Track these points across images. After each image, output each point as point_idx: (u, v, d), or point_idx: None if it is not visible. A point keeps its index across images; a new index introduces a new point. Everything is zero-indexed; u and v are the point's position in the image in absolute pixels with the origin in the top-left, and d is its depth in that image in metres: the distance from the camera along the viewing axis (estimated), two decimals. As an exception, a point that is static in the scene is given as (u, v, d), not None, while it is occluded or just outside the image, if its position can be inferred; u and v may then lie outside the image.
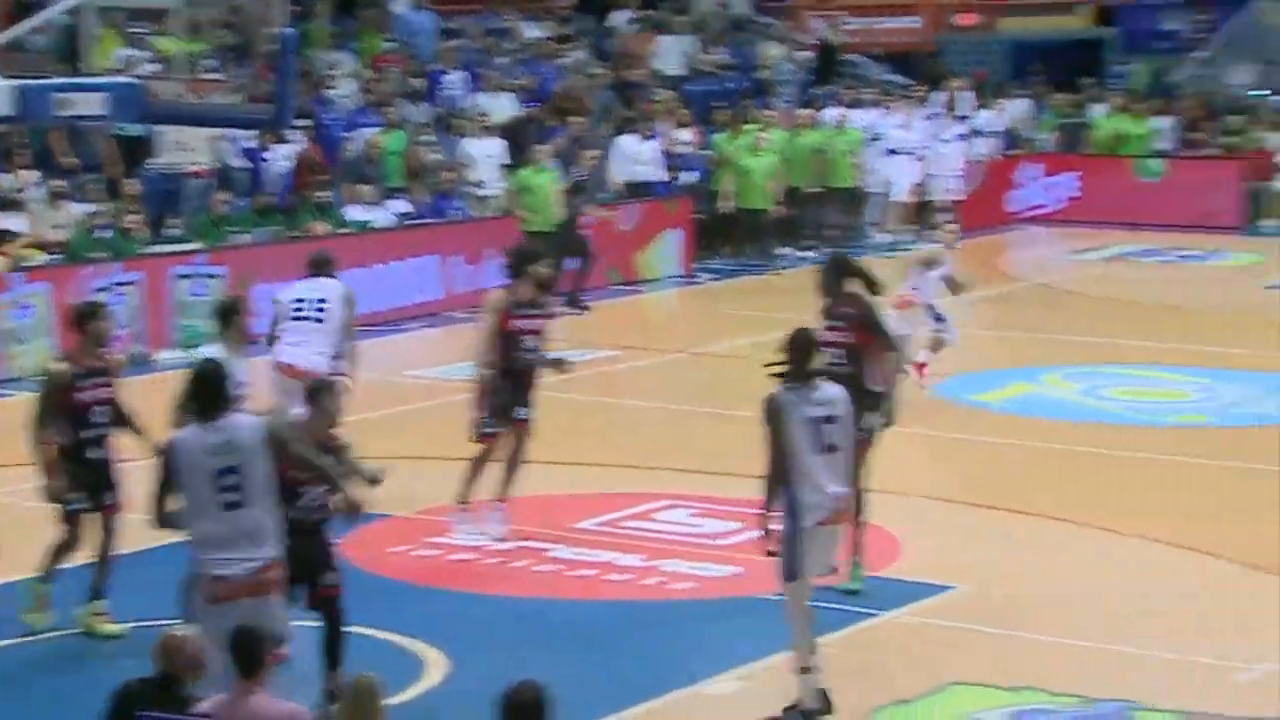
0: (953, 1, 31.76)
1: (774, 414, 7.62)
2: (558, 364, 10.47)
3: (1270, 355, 15.68)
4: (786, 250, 21.96)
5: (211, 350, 8.75)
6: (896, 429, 9.63)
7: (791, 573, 7.57)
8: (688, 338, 16.98)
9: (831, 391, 7.67)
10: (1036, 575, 9.78)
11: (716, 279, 20.67)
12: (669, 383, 15.08)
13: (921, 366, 13.69)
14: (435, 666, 8.41)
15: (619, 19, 25.44)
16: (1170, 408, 13.84)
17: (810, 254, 22.11)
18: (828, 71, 26.35)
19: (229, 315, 9.19)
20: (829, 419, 7.59)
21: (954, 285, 13.96)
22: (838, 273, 9.31)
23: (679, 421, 13.59)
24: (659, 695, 8.11)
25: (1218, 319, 18.12)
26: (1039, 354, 15.07)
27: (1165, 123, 25.91)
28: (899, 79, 26.62)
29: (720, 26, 26.52)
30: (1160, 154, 25.43)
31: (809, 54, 26.75)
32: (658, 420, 13.67)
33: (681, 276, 20.56)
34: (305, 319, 10.63)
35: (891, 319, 13.00)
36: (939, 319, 13.82)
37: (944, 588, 9.44)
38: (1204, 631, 8.95)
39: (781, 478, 7.60)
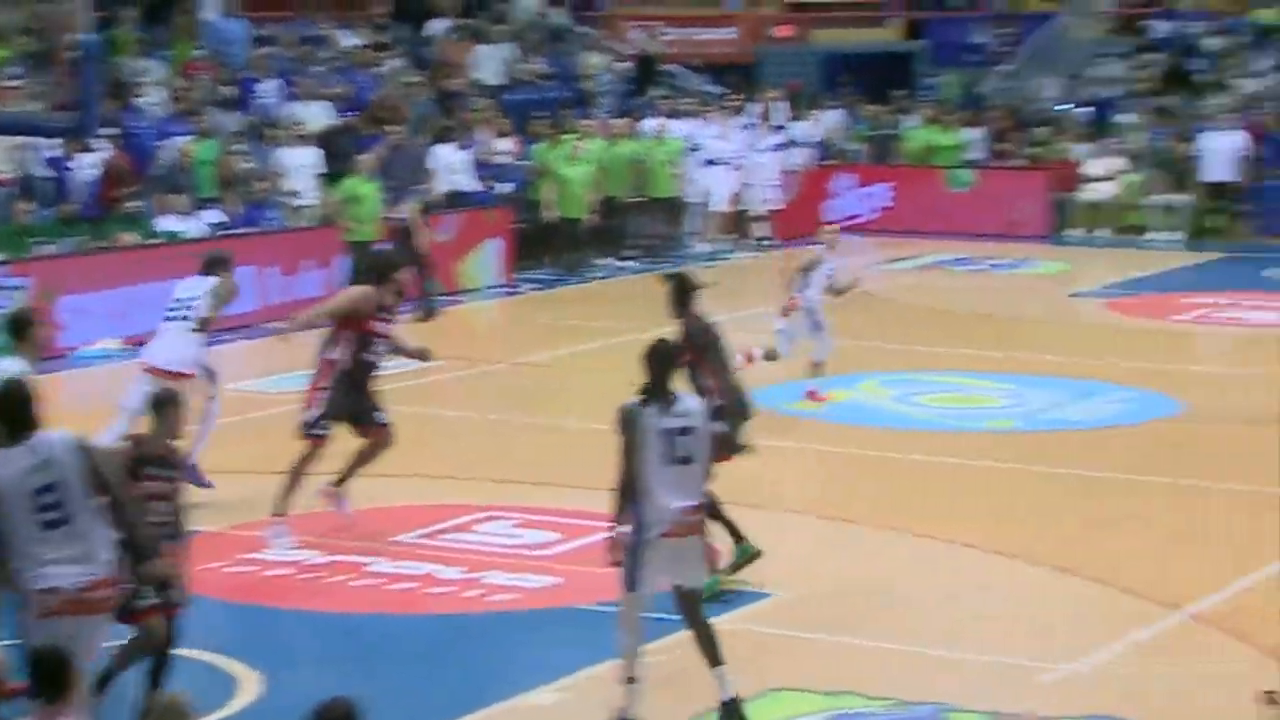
0: (769, 14, 32.17)
1: (627, 425, 7.62)
2: (422, 354, 10.71)
3: (1075, 361, 16.10)
4: (606, 260, 22.04)
5: (9, 365, 8.52)
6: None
7: (631, 583, 7.61)
8: (508, 348, 16.95)
9: (690, 404, 7.69)
10: (853, 580, 9.91)
11: (538, 289, 20.66)
12: (490, 393, 15.03)
13: (811, 392, 14.00)
14: (249, 685, 8.29)
15: (437, 27, 25.31)
16: (981, 414, 14.13)
17: (630, 264, 22.26)
18: (646, 82, 26.50)
19: (24, 327, 8.96)
20: (684, 431, 7.57)
21: (836, 288, 14.18)
22: (683, 291, 9.57)
23: (500, 432, 13.56)
24: (480, 708, 8.08)
25: (1025, 326, 18.55)
26: (855, 361, 15.28)
27: (975, 134, 26.47)
28: (717, 89, 26.86)
29: (539, 36, 26.52)
30: (970, 165, 25.97)
31: (628, 64, 26.87)
32: (478, 431, 13.62)
33: (502, 286, 20.53)
34: (173, 318, 10.91)
35: (780, 324, 14.01)
36: (817, 326, 14.05)
37: (762, 594, 9.52)
38: (1014, 633, 9.15)
39: (630, 488, 7.61)
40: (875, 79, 29.08)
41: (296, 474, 10.36)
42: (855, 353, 15.78)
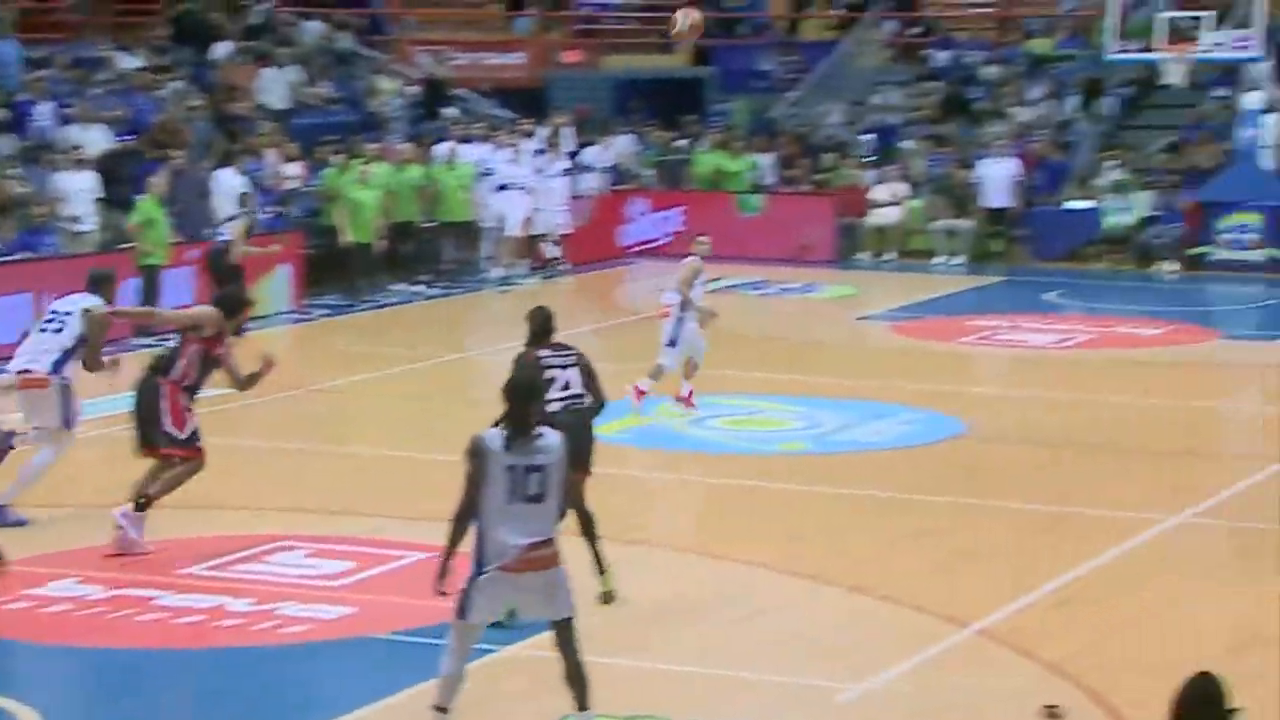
0: (557, 39, 32.24)
1: (473, 455, 7.44)
2: (249, 382, 10.96)
3: (863, 384, 16.38)
4: (400, 285, 21.87)
5: None
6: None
7: (461, 611, 7.50)
8: (300, 375, 16.70)
9: (548, 440, 7.45)
10: (652, 603, 9.93)
11: (329, 314, 20.41)
12: (282, 420, 14.81)
13: (641, 393, 14.45)
14: (29, 726, 8.02)
15: (220, 50, 24.88)
16: (774, 436, 14.29)
17: (424, 289, 22.11)
18: (436, 106, 26.37)
19: None
20: (536, 468, 7.38)
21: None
22: (545, 324, 9.97)
23: (292, 460, 13.34)
24: (274, 743, 7.91)
25: (816, 349, 18.84)
26: (651, 386, 15.37)
27: (764, 160, 26.83)
28: (507, 114, 26.83)
29: (325, 60, 26.23)
30: (760, 190, 26.32)
31: (416, 88, 26.71)
32: (270, 459, 13.39)
33: (292, 312, 20.24)
34: (44, 330, 11.30)
35: (665, 328, 14.61)
36: (671, 343, 14.49)
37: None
38: (811, 654, 9.24)
39: (466, 519, 7.46)
40: (665, 105, 29.33)
41: (174, 486, 10.66)
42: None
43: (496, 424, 7.50)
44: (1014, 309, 21.16)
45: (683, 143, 27.35)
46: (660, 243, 25.90)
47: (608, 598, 9.79)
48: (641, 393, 14.50)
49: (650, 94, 30.35)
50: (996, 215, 25.39)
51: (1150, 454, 13.75)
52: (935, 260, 25.49)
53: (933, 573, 10.56)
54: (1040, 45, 30.50)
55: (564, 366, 10.04)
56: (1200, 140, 25.98)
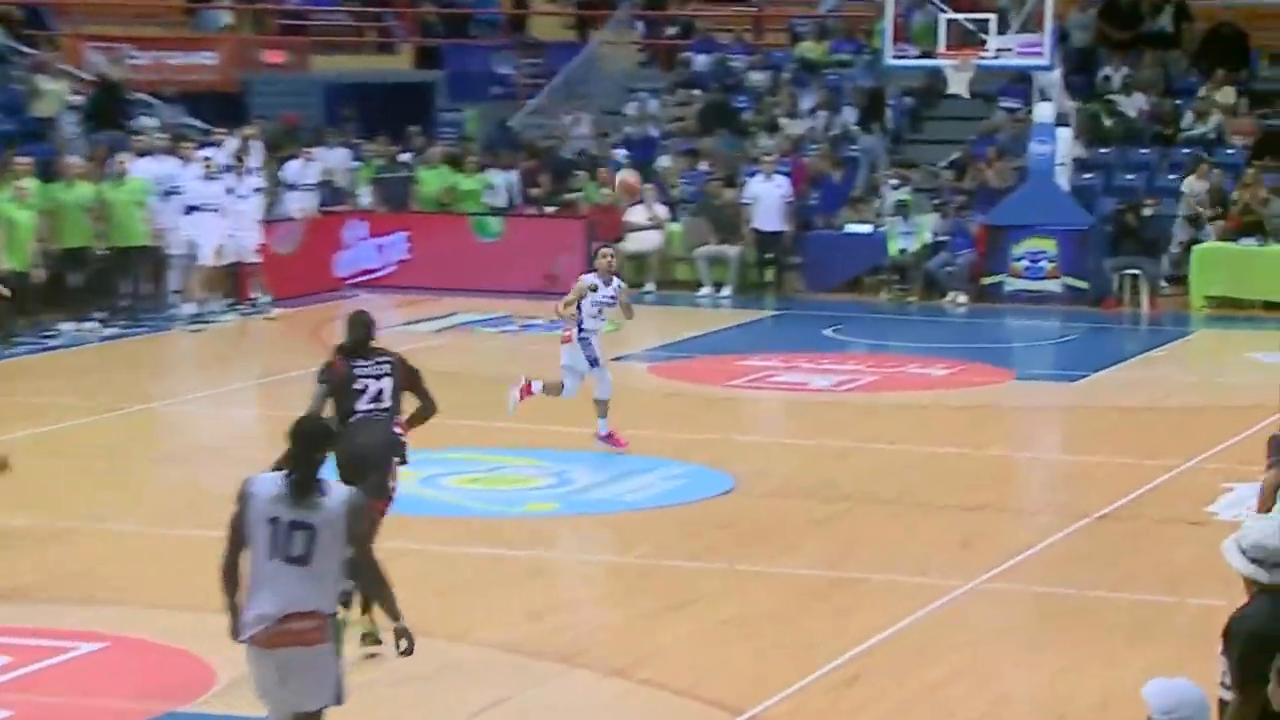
0: (257, 37, 31.82)
1: (240, 498, 7.35)
2: None
3: (642, 434, 16.44)
4: (67, 324, 21.25)
5: None
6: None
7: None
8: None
9: (330, 497, 7.35)
10: (373, 693, 9.75)
11: (-15, 359, 19.80)
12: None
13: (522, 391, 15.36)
14: None
15: None
16: (519, 495, 14.23)
17: (97, 327, 21.50)
18: (111, 114, 25.74)
19: None
20: (302, 525, 7.28)
21: (626, 309, 15.56)
22: (365, 331, 10.56)
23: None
24: None
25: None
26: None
27: (502, 177, 26.84)
28: (198, 124, 26.33)
29: (-26, 59, 25.53)
30: (498, 212, 26.30)
31: (87, 93, 26.05)
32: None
33: (-65, 356, 19.58)
34: None
35: (565, 358, 15.46)
36: (594, 362, 15.36)
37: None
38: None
39: (232, 571, 7.34)
40: (386, 113, 29.17)
41: None
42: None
43: (276, 467, 7.44)
44: (789, 347, 21.47)
45: (407, 157, 27.21)
46: (382, 273, 25.69)
47: (369, 639, 9.99)
48: (529, 391, 15.43)
49: (368, 100, 30.16)
50: (768, 240, 25.80)
51: (942, 509, 14.04)
52: (700, 292, 25.78)
53: (700, 650, 10.60)
54: (812, 49, 31.18)
55: (377, 376, 10.36)
56: (990, 157, 26.76)
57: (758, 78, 30.65)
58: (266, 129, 25.92)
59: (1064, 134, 25.59)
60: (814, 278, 26.01)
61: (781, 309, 24.81)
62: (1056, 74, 25.56)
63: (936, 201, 26.11)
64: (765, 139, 28.42)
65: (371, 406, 10.37)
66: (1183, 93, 28.92)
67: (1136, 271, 24.61)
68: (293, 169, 25.40)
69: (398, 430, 10.52)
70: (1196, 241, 24.90)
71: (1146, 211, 25.09)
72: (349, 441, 10.15)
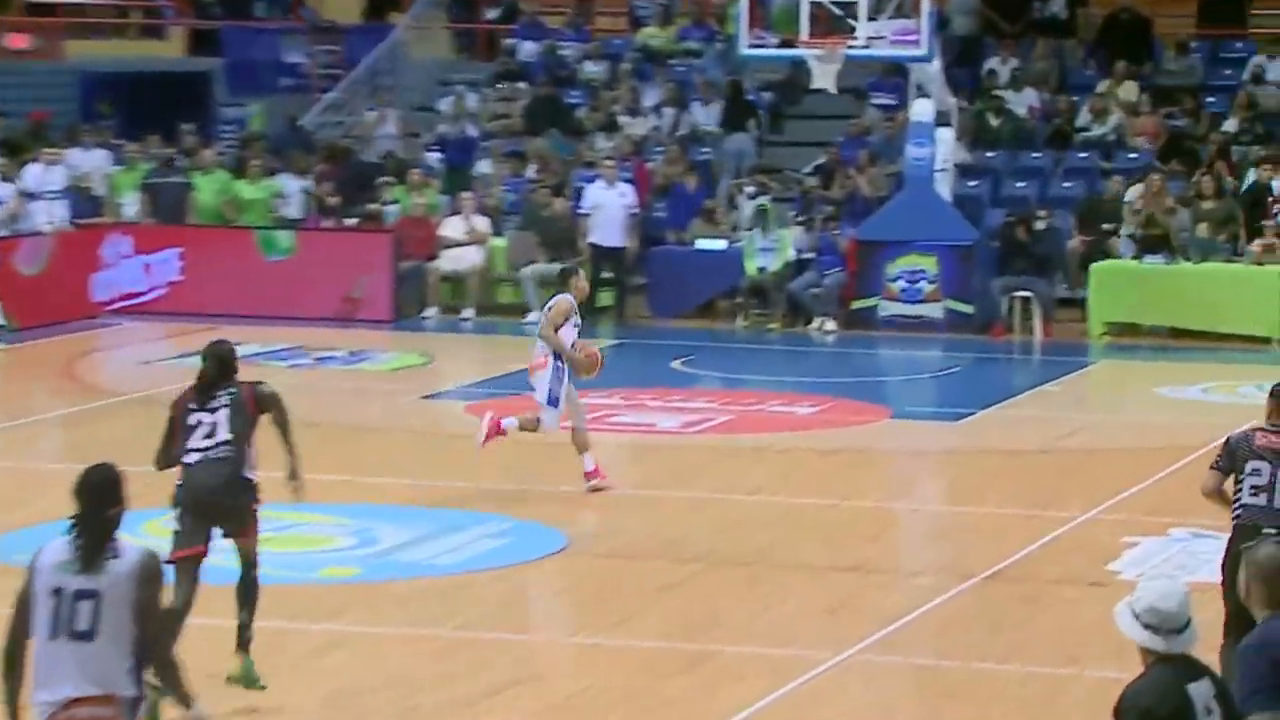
0: None
1: (29, 570, 7.38)
2: None
3: (433, 485, 16.43)
4: None
5: None
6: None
7: None
8: None
9: (122, 560, 7.38)
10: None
11: None
12: None
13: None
14: None
15: None
16: (316, 559, 14.18)
17: None
18: None
19: None
20: (88, 594, 7.28)
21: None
22: (223, 364, 11.10)
23: None
24: None
25: (369, 439, 18.80)
26: (134, 493, 15.05)
27: (295, 183, 26.74)
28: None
29: None
30: (289, 224, 26.19)
31: None
32: None
33: None
34: None
35: (540, 382, 16.06)
36: (552, 401, 15.95)
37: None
38: None
39: (15, 654, 7.32)
40: (154, 108, 28.96)
41: None
42: (133, 481, 15.49)
43: (68, 531, 7.46)
44: (631, 382, 21.55)
45: (180, 160, 27.02)
46: (149, 296, 25.45)
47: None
48: (500, 431, 15.97)
49: (133, 93, 29.93)
50: (607, 258, 25.91)
51: (808, 570, 14.18)
52: (527, 318, 25.80)
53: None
54: (655, 36, 31.43)
55: (213, 409, 10.71)
56: (861, 162, 27.09)
57: (593, 69, 30.83)
58: (7, 127, 25.62)
59: (945, 135, 25.95)
60: (661, 301, 26.15)
61: (623, 338, 24.90)
62: (936, 66, 25.91)
63: (800, 214, 26.38)
64: (603, 140, 28.57)
65: (206, 445, 10.70)
66: (1078, 88, 29.49)
67: (1028, 294, 25.01)
68: (33, 174, 25.08)
69: (247, 470, 10.90)
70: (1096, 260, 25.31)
71: (1039, 224, 25.49)
72: (189, 486, 10.68)
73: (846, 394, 21.22)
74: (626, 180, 26.42)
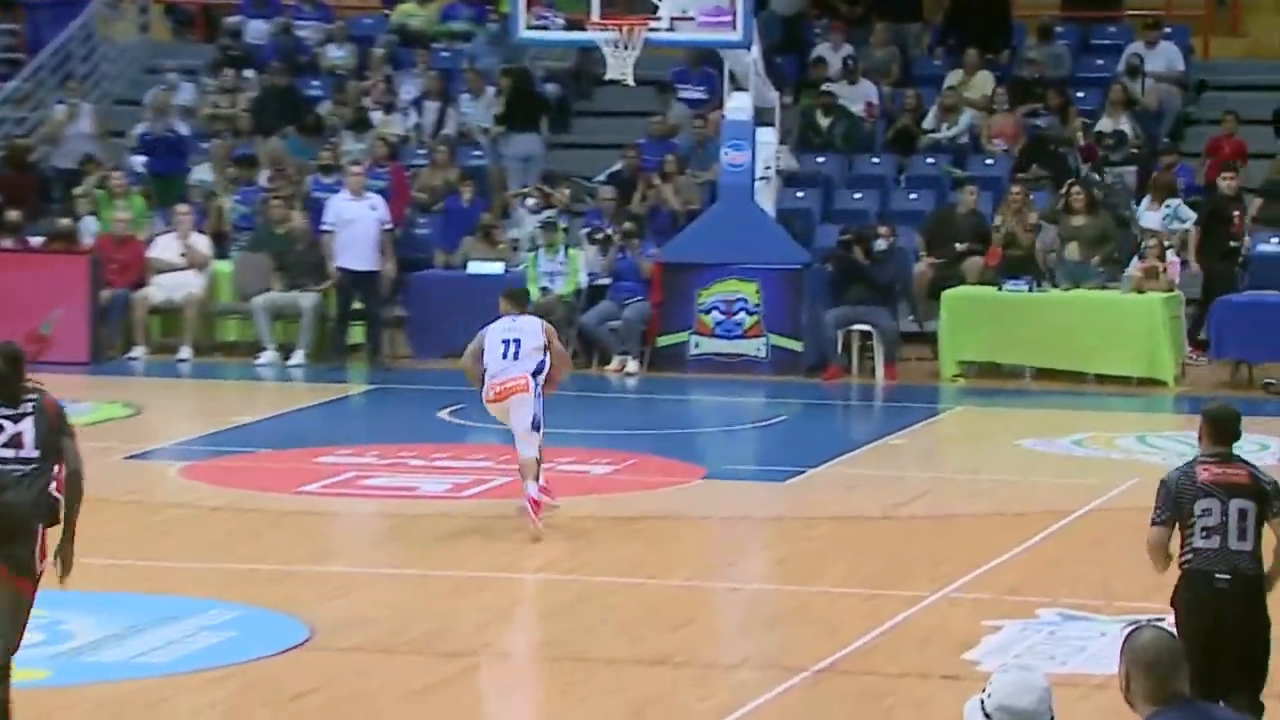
0: None
1: None
2: None
3: (140, 565, 16.22)
4: None
5: None
6: None
7: None
8: None
9: None
10: None
11: None
12: None
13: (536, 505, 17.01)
14: None
15: None
16: (-6, 657, 13.92)
17: None
18: None
19: None
20: None
21: None
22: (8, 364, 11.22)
23: None
24: None
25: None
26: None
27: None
28: None
29: None
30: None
31: None
32: None
33: None
34: None
35: (536, 404, 17.32)
36: (535, 426, 17.19)
37: None
38: None
39: None
40: None
41: None
42: None
43: None
44: (388, 436, 21.46)
45: None
46: None
47: None
48: (538, 503, 17.13)
49: None
50: (358, 285, 25.70)
51: (606, 665, 14.11)
52: (260, 359, 25.61)
53: None
54: (414, 14, 31.36)
55: (16, 418, 11.05)
56: (667, 168, 27.15)
57: (338, 54, 30.72)
58: None
59: (766, 136, 26.09)
60: (424, 337, 26.06)
61: (378, 383, 24.76)
62: (755, 54, 26.00)
63: (592, 229, 26.38)
64: (352, 141, 28.45)
65: (7, 456, 11.03)
66: (925, 81, 29.83)
67: (867, 327, 25.17)
68: None
69: (54, 488, 11.25)
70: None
71: (879, 244, 25.69)
72: None
73: (652, 449, 21.22)
74: (380, 190, 26.29)
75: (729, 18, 25.00)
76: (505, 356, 17.53)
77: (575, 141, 29.56)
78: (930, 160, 28.27)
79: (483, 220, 26.78)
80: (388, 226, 25.80)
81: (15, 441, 11.11)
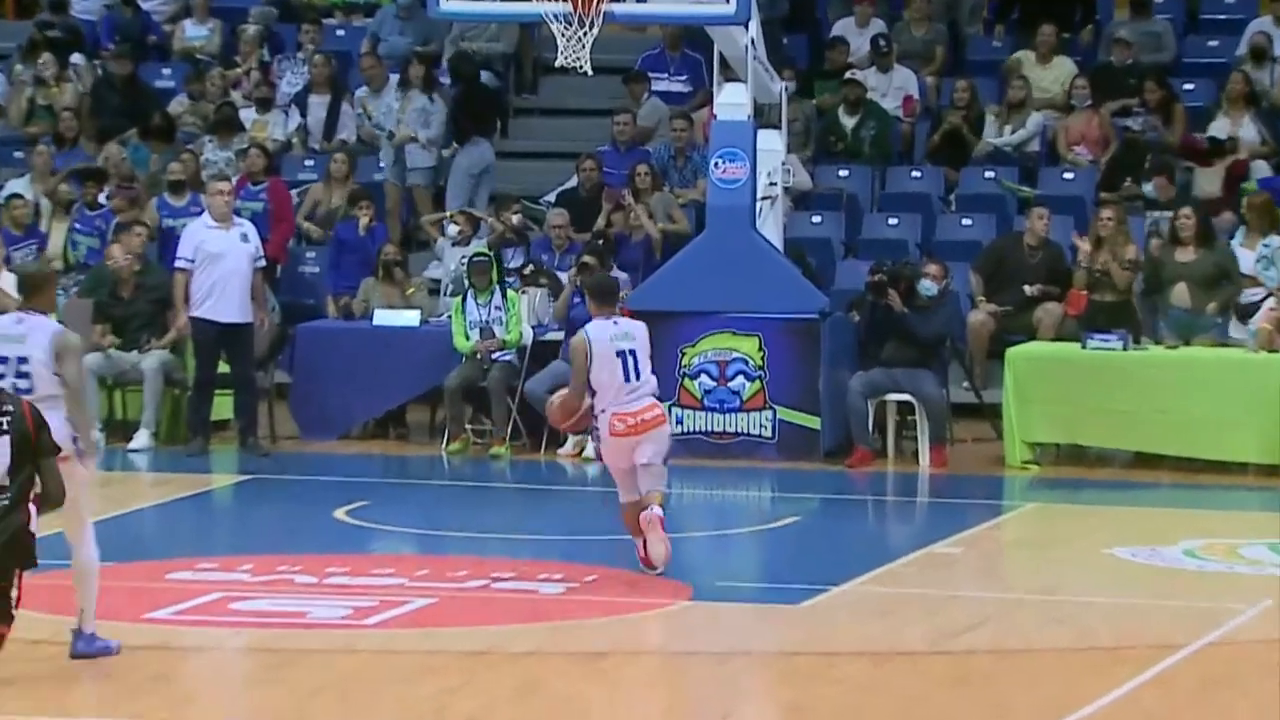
0: None
1: None
2: None
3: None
4: None
5: None
6: None
7: None
8: None
9: None
10: None
11: None
12: None
13: None
14: None
15: None
16: None
17: None
18: None
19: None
20: None
21: None
22: None
23: None
24: None
25: None
26: None
27: None
28: None
29: None
30: None
31: None
32: None
33: None
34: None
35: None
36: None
37: None
38: None
39: None
40: None
41: None
42: None
43: None
44: (266, 544, 21.41)
45: None
46: None
47: None
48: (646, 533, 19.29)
49: None
50: (224, 343, 25.56)
51: None
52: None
53: None
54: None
55: None
56: (638, 184, 27.09)
57: (195, 33, 30.82)
58: None
59: (770, 142, 26.06)
60: (313, 412, 26.00)
61: (252, 472, 24.74)
62: (753, 31, 25.91)
63: (537, 267, 26.36)
64: (215, 149, 28.46)
65: None
66: (981, 69, 29.90)
67: (907, 397, 25.14)
68: None
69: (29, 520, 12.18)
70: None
71: (924, 286, 25.52)
72: None
73: (620, 560, 21.17)
74: (253, 216, 26.24)
75: (720, -13, 24.99)
76: (629, 376, 18.28)
77: (514, 149, 29.61)
78: (989, 174, 28.31)
79: (386, 254, 26.73)
80: (260, 262, 25.56)
81: None
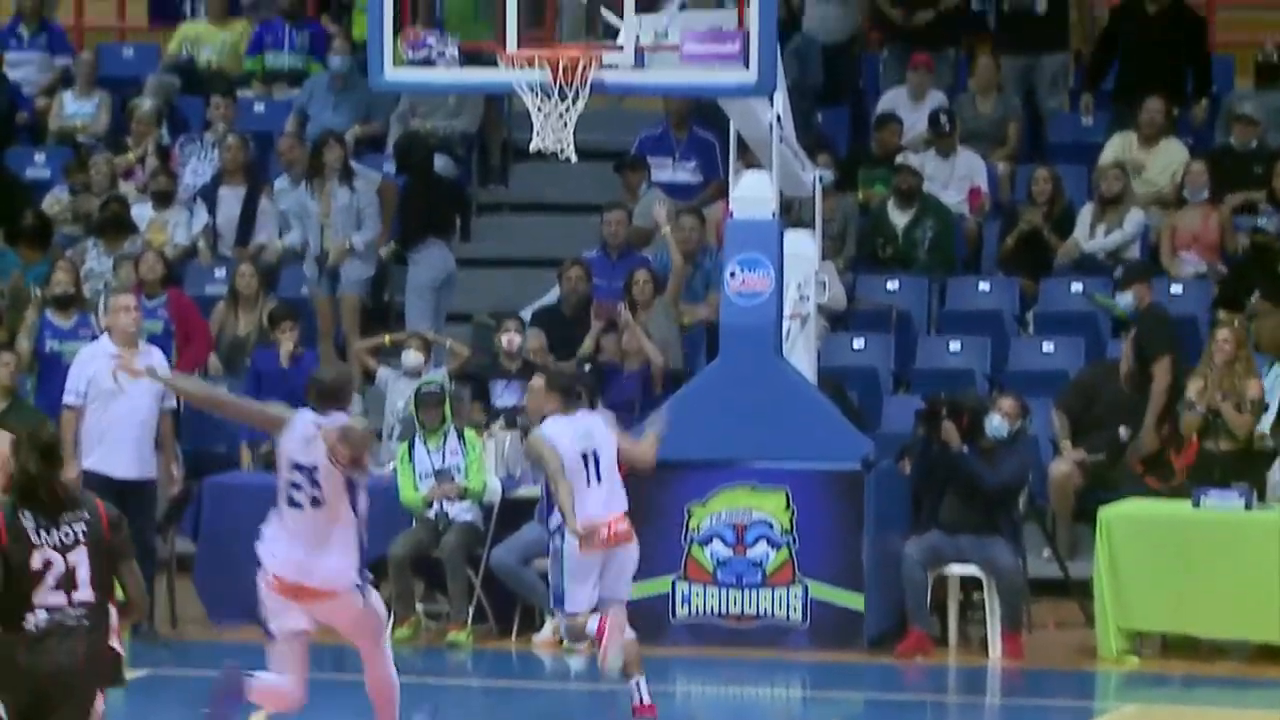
0: None
1: None
2: None
3: None
4: None
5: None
6: None
7: None
8: None
9: None
10: None
11: None
12: None
13: None
14: None
15: None
16: None
17: None
18: None
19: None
20: None
21: None
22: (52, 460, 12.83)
23: None
24: None
25: None
26: None
27: None
28: None
29: None
30: None
31: None
32: None
33: None
34: None
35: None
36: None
37: None
38: None
39: None
40: None
41: None
42: None
43: None
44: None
45: None
46: None
47: None
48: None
49: None
50: (120, 503, 25.33)
51: None
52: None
53: None
54: (207, 40, 31.65)
55: (65, 547, 12.74)
56: (636, 295, 27.25)
57: (78, 108, 31.00)
58: None
59: (801, 246, 26.13)
60: (223, 587, 26.09)
61: (147, 665, 24.78)
62: (780, 105, 25.93)
63: (508, 403, 26.55)
64: (99, 255, 28.61)
65: (59, 603, 12.48)
66: (1065, 152, 29.92)
67: (973, 569, 25.26)
68: None
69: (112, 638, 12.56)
70: None
71: (996, 425, 25.52)
72: (24, 664, 12.36)
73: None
74: (156, 337, 26.31)
75: (736, 46, 24.30)
76: (590, 480, 18.98)
77: (478, 255, 29.80)
78: (1077, 287, 28.37)
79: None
80: (173, 403, 25.48)
81: (68, 582, 12.48)
